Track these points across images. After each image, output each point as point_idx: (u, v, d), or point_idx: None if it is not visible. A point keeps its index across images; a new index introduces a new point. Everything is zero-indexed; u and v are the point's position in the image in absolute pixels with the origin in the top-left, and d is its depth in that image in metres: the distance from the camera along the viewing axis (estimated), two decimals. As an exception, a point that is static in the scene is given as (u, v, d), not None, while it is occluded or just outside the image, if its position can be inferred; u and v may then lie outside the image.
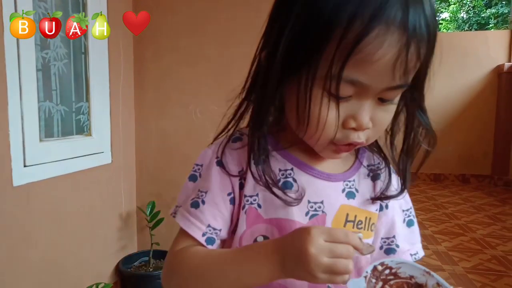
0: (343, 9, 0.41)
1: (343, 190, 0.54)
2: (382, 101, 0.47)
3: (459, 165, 4.90)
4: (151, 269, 1.82)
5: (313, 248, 0.40)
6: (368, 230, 0.54)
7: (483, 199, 4.02)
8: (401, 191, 0.54)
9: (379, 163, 0.57)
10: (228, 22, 1.81)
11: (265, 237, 0.52)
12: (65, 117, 1.52)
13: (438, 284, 0.42)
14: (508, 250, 2.57)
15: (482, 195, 4.21)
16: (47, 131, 1.43)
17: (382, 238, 0.57)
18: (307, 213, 0.52)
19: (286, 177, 0.53)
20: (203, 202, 0.53)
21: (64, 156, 1.46)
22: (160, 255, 1.93)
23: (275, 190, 0.50)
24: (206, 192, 0.54)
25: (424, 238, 2.78)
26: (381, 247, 0.57)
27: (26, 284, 1.32)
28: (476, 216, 3.37)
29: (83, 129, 1.62)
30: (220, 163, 0.55)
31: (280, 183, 0.52)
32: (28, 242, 1.33)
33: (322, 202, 0.52)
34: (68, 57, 1.51)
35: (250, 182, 0.52)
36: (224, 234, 0.54)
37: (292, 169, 0.53)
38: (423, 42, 0.43)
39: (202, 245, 0.52)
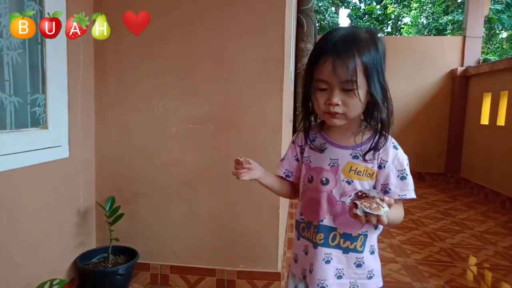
0: (314, 53, 0.91)
1: (351, 154, 0.95)
2: (345, 91, 0.87)
3: (416, 164, 5.15)
4: (110, 265, 1.79)
5: None
6: (365, 176, 0.94)
7: (436, 196, 4.26)
8: (369, 156, 0.94)
9: (383, 142, 0.93)
10: (191, 18, 1.81)
11: (312, 176, 0.99)
12: (19, 109, 1.47)
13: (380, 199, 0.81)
14: (456, 242, 2.75)
15: (436, 192, 4.45)
16: (-1, 123, 1.37)
17: (381, 184, 0.94)
18: (329, 164, 0.96)
19: (322, 146, 0.99)
20: (284, 159, 1.08)
21: (17, 149, 1.41)
22: (120, 251, 1.90)
23: (314, 149, 1.00)
24: (286, 155, 1.08)
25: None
26: (381, 189, 0.94)
27: (-26, 282, 1.28)
28: (429, 212, 3.57)
29: (38, 121, 1.57)
30: (294, 142, 1.06)
31: (320, 149, 0.99)
32: (-23, 238, 1.28)
33: (337, 159, 0.96)
34: (23, 47, 1.45)
35: (307, 149, 1.02)
36: (296, 174, 1.06)
37: (325, 143, 0.99)
38: (342, 59, 0.84)
39: (283, 178, 1.08)
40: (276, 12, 1.77)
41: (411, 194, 0.93)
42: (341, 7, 16.36)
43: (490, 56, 11.94)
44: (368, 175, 0.93)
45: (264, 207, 1.86)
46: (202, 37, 1.81)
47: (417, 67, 5.13)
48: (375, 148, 0.92)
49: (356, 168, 0.93)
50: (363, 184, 0.93)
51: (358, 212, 0.79)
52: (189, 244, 1.93)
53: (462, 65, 5.05)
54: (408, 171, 0.94)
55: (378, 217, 0.78)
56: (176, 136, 1.88)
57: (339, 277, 0.96)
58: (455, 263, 2.37)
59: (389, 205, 0.79)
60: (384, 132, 0.92)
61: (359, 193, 0.84)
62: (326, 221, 0.96)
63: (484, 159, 4.41)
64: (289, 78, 2.58)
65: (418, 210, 3.61)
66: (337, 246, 0.95)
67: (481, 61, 5.08)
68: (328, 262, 0.95)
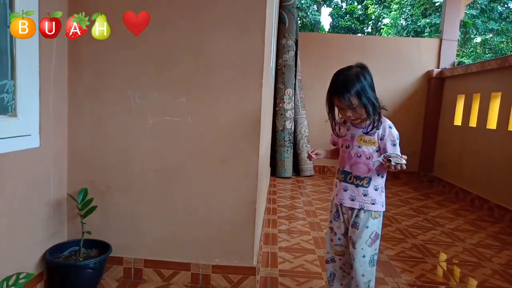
0: (329, 90, 1.50)
1: (362, 131, 1.53)
2: (350, 108, 1.46)
3: (391, 162, 5.25)
4: (81, 259, 1.75)
5: None
6: (369, 144, 1.51)
7: (409, 194, 4.37)
8: (373, 128, 1.50)
9: (380, 126, 1.52)
10: (170, 8, 1.77)
11: (342, 144, 1.60)
12: (-15, 95, 1.40)
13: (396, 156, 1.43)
14: (427, 239, 2.83)
15: (409, 190, 4.57)
16: (-36, 109, 1.30)
17: (382, 148, 1.51)
18: (350, 136, 1.56)
19: (348, 127, 1.58)
20: (331, 135, 1.68)
21: (-17, 137, 1.35)
22: (92, 244, 1.86)
23: (342, 131, 1.62)
24: (332, 133, 1.67)
25: (355, 228, 2.96)
26: (382, 151, 1.50)
27: None
28: (402, 209, 3.66)
29: (7, 109, 1.50)
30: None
31: (347, 129, 1.59)
32: None
33: (354, 134, 1.55)
34: (-10, 30, 1.38)
35: (341, 129, 1.62)
36: (338, 143, 1.65)
37: (350, 125, 1.57)
38: (342, 95, 1.44)
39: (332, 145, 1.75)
40: (257, 5, 1.75)
41: (399, 153, 1.49)
42: (323, 5, 16.47)
43: (464, 59, 12.32)
44: (371, 143, 1.52)
45: (241, 202, 1.85)
46: (181, 28, 1.78)
47: (395, 67, 5.22)
48: (373, 128, 1.50)
49: (364, 139, 1.53)
50: (368, 148, 1.52)
51: (392, 163, 1.39)
52: (164, 238, 1.90)
53: (438, 67, 5.18)
54: (397, 141, 1.51)
55: (401, 165, 1.39)
56: (152, 128, 1.84)
57: (352, 199, 1.56)
58: (426, 259, 2.44)
59: (405, 159, 1.40)
60: (375, 120, 1.49)
61: (386, 155, 1.42)
62: (346, 168, 1.57)
63: (456, 159, 4.55)
64: (269, 73, 2.57)
65: (392, 207, 3.69)
66: (352, 183, 1.56)
67: (456, 64, 5.23)
68: (345, 190, 1.57)
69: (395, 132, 1.52)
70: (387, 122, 1.53)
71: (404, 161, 1.39)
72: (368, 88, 1.45)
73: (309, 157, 1.62)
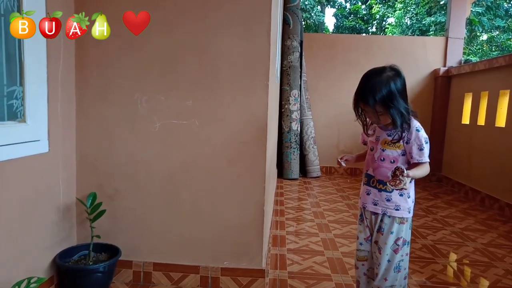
0: (356, 94, 1.44)
1: (387, 133, 1.47)
2: (377, 113, 1.39)
3: (399, 162, 5.21)
4: (90, 263, 1.75)
5: None
6: (394, 147, 1.45)
7: (418, 193, 4.32)
8: (399, 140, 1.43)
9: (407, 132, 1.43)
10: (175, 10, 1.78)
11: (368, 146, 1.57)
12: (-5, 102, 1.41)
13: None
14: (437, 239, 2.80)
15: (418, 190, 4.49)
16: (-26, 116, 1.32)
17: (408, 152, 1.43)
18: (375, 139, 1.51)
19: (375, 129, 1.53)
20: (361, 135, 1.63)
21: (-7, 143, 1.36)
22: (101, 248, 1.86)
23: (370, 131, 1.56)
24: (362, 132, 1.60)
25: (364, 229, 2.94)
26: (408, 154, 1.44)
27: None
28: (411, 209, 3.62)
29: (16, 115, 1.51)
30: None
31: (374, 130, 1.53)
32: (-51, 235, 1.22)
33: (379, 136, 1.49)
34: (-1, 37, 1.40)
35: (370, 131, 1.55)
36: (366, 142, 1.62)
37: (376, 127, 1.52)
38: (367, 102, 1.38)
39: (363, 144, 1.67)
40: (262, 6, 1.75)
41: (426, 159, 1.43)
42: (327, 6, 16.44)
43: (471, 57, 12.21)
44: (396, 147, 1.46)
45: (249, 204, 1.84)
46: (186, 30, 1.78)
47: (401, 67, 5.13)
48: (399, 139, 1.44)
49: (389, 141, 1.47)
50: (392, 152, 1.46)
51: (389, 186, 1.40)
52: (173, 241, 1.91)
53: (444, 65, 5.14)
54: (424, 145, 1.42)
55: (400, 189, 1.38)
56: (160, 132, 1.84)
57: (375, 204, 1.51)
58: (436, 260, 2.41)
59: (408, 176, 1.33)
60: (402, 126, 1.41)
61: (397, 167, 1.35)
62: (369, 171, 1.54)
63: (465, 158, 4.50)
64: (274, 74, 2.57)
65: (400, 207, 3.65)
66: (374, 187, 1.52)
67: (462, 62, 5.18)
68: (368, 194, 1.54)
69: (422, 135, 1.42)
70: (414, 124, 1.42)
71: (402, 185, 1.33)
72: (397, 96, 1.35)
73: (339, 163, 1.60)
